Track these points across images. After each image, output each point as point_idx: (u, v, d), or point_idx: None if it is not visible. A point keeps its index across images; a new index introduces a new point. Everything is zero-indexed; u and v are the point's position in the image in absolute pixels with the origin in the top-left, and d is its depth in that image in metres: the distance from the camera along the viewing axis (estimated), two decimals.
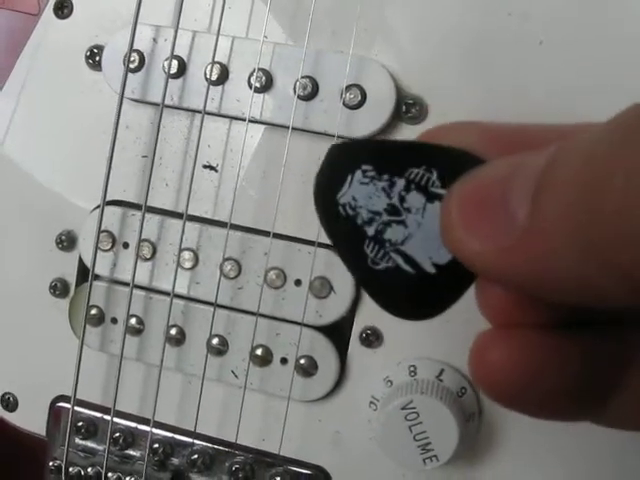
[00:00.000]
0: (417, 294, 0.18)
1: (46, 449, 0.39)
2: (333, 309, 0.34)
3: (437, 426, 0.32)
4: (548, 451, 0.34)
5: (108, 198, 0.35)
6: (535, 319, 0.18)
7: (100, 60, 0.35)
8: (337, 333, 0.35)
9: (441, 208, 0.17)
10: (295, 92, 0.33)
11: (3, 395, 0.39)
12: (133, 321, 0.36)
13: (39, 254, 0.38)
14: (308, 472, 0.37)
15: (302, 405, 0.36)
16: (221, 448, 0.37)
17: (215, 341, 0.35)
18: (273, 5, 0.33)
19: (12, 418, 0.40)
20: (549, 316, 0.18)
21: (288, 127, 0.33)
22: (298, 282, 0.34)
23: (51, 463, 0.38)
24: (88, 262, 0.36)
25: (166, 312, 0.35)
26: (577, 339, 0.18)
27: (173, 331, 0.36)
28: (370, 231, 0.18)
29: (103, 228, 0.35)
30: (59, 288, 0.37)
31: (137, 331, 0.36)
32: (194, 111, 0.34)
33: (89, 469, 0.38)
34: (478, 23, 0.32)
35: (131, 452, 0.38)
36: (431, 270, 0.18)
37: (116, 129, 0.34)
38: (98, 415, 0.38)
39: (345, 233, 0.18)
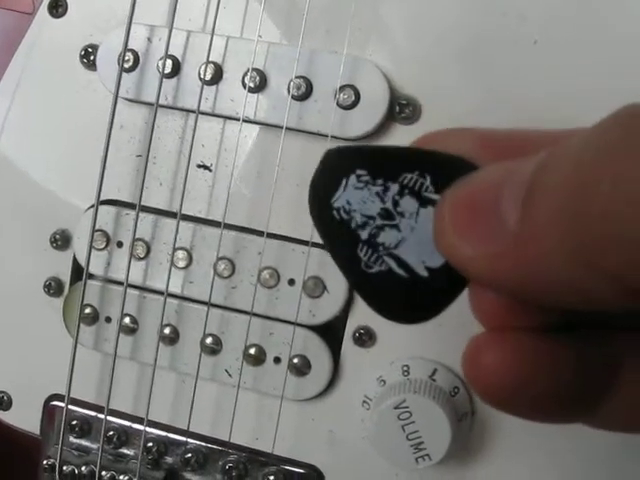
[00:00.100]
0: (410, 298, 0.19)
1: (40, 448, 0.39)
2: (326, 309, 0.34)
3: (430, 425, 0.32)
4: (541, 451, 0.34)
5: (102, 197, 0.35)
6: (528, 323, 0.18)
7: (95, 59, 0.35)
8: (330, 332, 0.35)
9: (434, 213, 0.18)
10: (289, 92, 0.33)
11: None
12: (127, 320, 0.36)
13: (33, 253, 0.38)
14: (301, 471, 0.37)
15: (295, 404, 0.36)
16: (215, 447, 0.37)
17: (209, 340, 0.35)
18: (267, 5, 0.33)
19: (6, 417, 0.40)
20: (542, 320, 0.18)
21: (282, 127, 0.33)
22: (292, 282, 0.34)
23: (45, 462, 0.38)
24: (82, 261, 0.36)
25: (160, 311, 0.35)
26: (569, 342, 0.18)
27: (167, 330, 0.36)
28: (364, 235, 0.18)
29: (97, 227, 0.36)
30: (53, 287, 0.37)
31: (131, 330, 0.36)
32: (188, 111, 0.34)
33: (83, 468, 0.38)
34: (473, 23, 0.32)
35: (125, 451, 0.38)
36: (424, 274, 0.18)
37: (110, 128, 0.34)
38: (92, 414, 0.38)
39: (339, 237, 0.18)
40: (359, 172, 0.18)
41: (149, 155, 0.35)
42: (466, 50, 0.32)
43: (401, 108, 0.32)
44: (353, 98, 0.32)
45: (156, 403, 0.37)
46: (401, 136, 0.33)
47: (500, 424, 0.34)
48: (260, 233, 0.34)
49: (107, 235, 0.36)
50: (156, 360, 0.36)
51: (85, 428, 0.38)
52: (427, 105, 0.33)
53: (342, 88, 0.32)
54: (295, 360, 0.35)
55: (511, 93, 0.32)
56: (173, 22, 0.33)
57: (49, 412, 0.39)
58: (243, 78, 0.33)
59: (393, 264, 0.18)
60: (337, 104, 0.32)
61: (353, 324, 0.35)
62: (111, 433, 0.38)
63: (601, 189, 0.14)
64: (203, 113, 0.34)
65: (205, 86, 0.33)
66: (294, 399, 0.35)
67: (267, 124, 0.34)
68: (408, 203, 0.18)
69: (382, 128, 0.33)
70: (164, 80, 0.34)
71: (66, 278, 0.38)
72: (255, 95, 0.33)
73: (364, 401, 0.35)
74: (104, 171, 0.35)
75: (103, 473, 0.37)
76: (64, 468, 0.38)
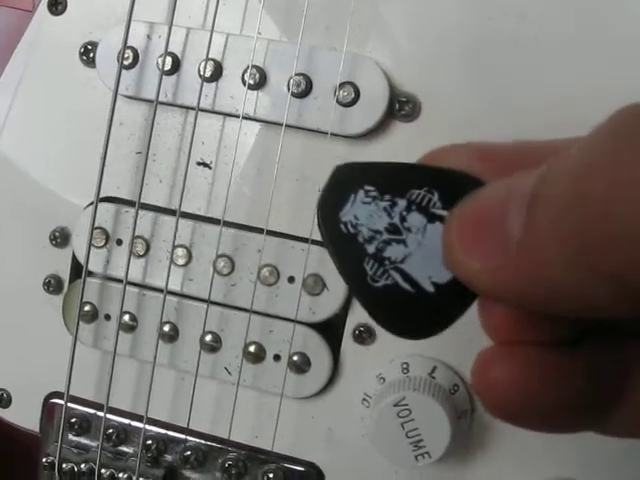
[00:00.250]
0: (415, 312, 0.19)
1: (39, 445, 0.39)
2: (326, 306, 0.34)
3: (429, 423, 0.32)
4: (541, 449, 0.34)
5: (102, 195, 0.35)
6: (537, 337, 0.18)
7: (94, 57, 0.35)
8: (330, 330, 0.35)
9: (443, 230, 0.18)
10: (289, 89, 0.33)
11: None
12: (126, 318, 0.36)
13: (33, 250, 0.38)
14: (301, 469, 0.37)
15: (295, 402, 0.36)
16: (214, 445, 0.37)
17: (208, 338, 0.35)
18: (267, 2, 0.33)
19: (5, 414, 0.40)
20: (550, 334, 0.18)
21: (282, 124, 0.33)
22: (291, 279, 0.34)
23: (44, 459, 0.38)
24: (82, 259, 0.36)
25: (159, 309, 0.35)
26: (578, 354, 0.18)
27: (166, 328, 0.36)
28: (370, 249, 0.19)
29: (97, 225, 0.35)
30: (53, 284, 0.37)
31: (130, 328, 0.36)
32: (188, 108, 0.34)
33: (82, 465, 0.38)
34: (473, 22, 0.32)
35: (124, 448, 0.38)
36: (430, 289, 0.18)
37: (110, 126, 0.34)
38: (91, 411, 0.38)
39: (346, 250, 0.19)
40: (367, 187, 0.19)
41: (149, 152, 0.35)
42: (466, 48, 0.32)
43: (401, 105, 0.32)
44: (353, 95, 0.32)
45: (155, 401, 0.37)
46: (401, 133, 0.33)
47: (500, 422, 0.34)
48: (260, 230, 0.34)
49: (106, 233, 0.36)
50: (155, 358, 0.36)
51: (84, 426, 0.38)
52: (427, 102, 0.33)
53: (342, 85, 0.32)
54: (295, 358, 0.35)
55: (511, 92, 0.32)
56: (173, 19, 0.33)
57: (49, 410, 0.39)
58: (243, 75, 0.33)
59: (399, 278, 0.18)
60: (337, 101, 0.32)
61: (353, 321, 0.35)
62: (110, 431, 0.38)
63: (599, 194, 0.14)
64: (203, 110, 0.34)
65: (205, 83, 0.33)
66: (294, 397, 0.35)
67: (267, 121, 0.34)
68: (415, 219, 0.18)
69: (382, 125, 0.33)
70: (164, 77, 0.34)
71: (65, 276, 0.38)
72: (255, 92, 0.33)
73: (364, 399, 0.35)
74: (103, 168, 0.35)
75: (102, 471, 0.37)
76: (64, 466, 0.38)
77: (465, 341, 0.30)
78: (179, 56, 0.34)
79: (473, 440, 0.35)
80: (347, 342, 0.35)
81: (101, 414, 0.37)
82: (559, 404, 0.18)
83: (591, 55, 0.31)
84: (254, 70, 0.33)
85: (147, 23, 0.34)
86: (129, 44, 0.34)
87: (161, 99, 0.34)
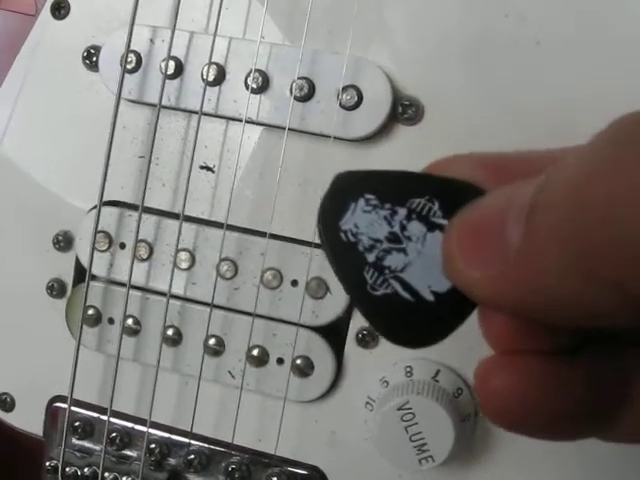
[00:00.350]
0: (415, 321, 0.19)
1: (43, 449, 0.39)
2: (329, 309, 0.34)
3: (433, 427, 0.32)
4: (544, 453, 0.34)
5: (105, 198, 0.35)
6: (536, 346, 0.18)
7: (97, 61, 0.35)
8: (333, 333, 0.35)
9: (443, 239, 0.18)
10: (292, 93, 0.33)
11: (0, 395, 0.39)
12: (130, 321, 0.36)
13: (36, 254, 0.38)
14: (304, 472, 0.37)
15: (298, 405, 0.36)
16: (217, 448, 0.37)
17: (212, 341, 0.35)
18: (270, 5, 0.33)
19: (9, 418, 0.40)
20: (550, 342, 0.18)
21: (285, 128, 0.33)
22: (294, 283, 0.34)
23: (48, 463, 0.38)
24: (85, 262, 0.36)
25: (163, 312, 0.35)
26: (578, 363, 0.18)
27: (170, 331, 0.36)
28: (370, 257, 0.18)
29: (100, 228, 0.36)
30: (56, 288, 0.37)
31: (134, 331, 0.36)
32: (191, 112, 0.34)
33: (86, 469, 0.38)
34: (475, 24, 0.32)
35: (128, 452, 0.38)
36: (430, 298, 0.18)
37: (113, 130, 0.34)
38: (95, 415, 0.38)
39: (346, 259, 0.19)
40: (368, 196, 0.18)
41: (152, 156, 0.35)
42: (468, 51, 0.32)
43: (404, 109, 0.32)
44: (356, 99, 0.32)
45: (159, 404, 0.37)
46: (404, 136, 0.33)
47: None
48: (263, 234, 0.34)
49: (110, 236, 0.36)
50: (159, 361, 0.36)
51: (88, 430, 0.38)
52: (430, 106, 0.33)
53: (345, 89, 0.32)
54: (298, 361, 0.35)
55: (513, 94, 0.32)
56: (176, 23, 0.34)
57: (52, 413, 0.39)
58: (246, 79, 0.33)
59: (399, 287, 0.18)
60: (340, 105, 0.32)
61: (356, 325, 0.35)
62: (114, 435, 0.38)
63: (598, 203, 0.14)
64: (206, 114, 0.34)
65: (208, 87, 0.33)
66: (297, 400, 0.35)
67: (270, 125, 0.34)
68: (416, 227, 0.18)
69: (385, 129, 0.33)
70: (167, 81, 0.34)
71: (69, 279, 0.38)
72: (258, 96, 0.33)
73: (367, 402, 0.35)
74: (107, 172, 0.35)
75: (106, 475, 0.37)
76: (67, 470, 0.38)
77: (469, 345, 0.30)
78: (182, 60, 0.34)
79: (476, 444, 0.35)
80: (350, 345, 0.35)
81: (104, 418, 0.37)
82: (559, 413, 0.18)
83: (592, 56, 0.31)
84: (257, 74, 0.33)
85: (150, 27, 0.34)
86: (132, 48, 0.34)
87: (164, 103, 0.34)
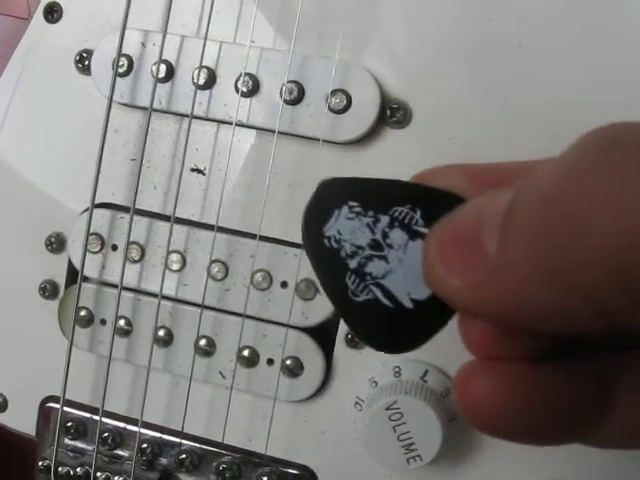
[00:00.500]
0: (395, 328, 0.19)
1: (36, 449, 0.39)
2: (319, 311, 0.34)
3: (421, 426, 0.33)
4: (531, 452, 0.34)
5: (97, 201, 0.36)
6: (517, 352, 0.18)
7: (89, 64, 0.35)
8: (323, 334, 0.35)
9: (423, 248, 0.18)
10: (281, 97, 0.33)
11: None
12: (122, 322, 0.36)
13: (29, 256, 0.38)
14: (295, 472, 0.37)
15: (288, 405, 0.36)
16: (208, 448, 0.38)
17: (202, 342, 0.36)
18: (260, 10, 0.34)
19: (2, 418, 0.40)
20: (531, 348, 0.18)
21: (274, 131, 0.33)
22: (284, 284, 0.35)
23: (40, 463, 0.39)
24: (77, 264, 0.36)
25: (154, 313, 0.36)
26: (561, 368, 0.18)
27: (161, 332, 0.36)
28: (352, 264, 0.19)
29: (92, 230, 0.36)
30: (48, 290, 0.38)
31: (126, 332, 0.36)
32: (182, 115, 0.35)
33: (78, 469, 0.38)
34: (466, 28, 0.32)
35: (120, 452, 0.38)
36: (409, 305, 0.19)
37: (105, 133, 0.35)
38: (87, 415, 0.39)
39: (328, 265, 0.19)
40: (351, 203, 0.19)
41: (143, 159, 0.35)
42: (458, 55, 0.32)
43: (392, 112, 0.33)
44: (345, 102, 0.32)
45: (150, 405, 0.37)
46: (393, 140, 0.33)
47: None
48: (253, 236, 0.35)
49: (102, 238, 0.36)
50: (150, 362, 0.36)
51: (80, 430, 0.39)
52: (418, 109, 0.33)
53: (334, 92, 0.32)
54: (288, 362, 0.35)
55: (502, 98, 0.32)
56: (167, 27, 0.34)
57: (45, 414, 0.39)
58: (236, 83, 0.33)
59: (379, 294, 0.19)
60: (329, 108, 0.33)
61: (345, 326, 0.35)
62: (106, 434, 0.38)
63: (571, 213, 0.14)
64: (197, 117, 0.34)
65: (199, 90, 0.34)
66: (287, 400, 0.36)
67: (260, 128, 0.34)
68: (397, 235, 0.19)
69: (373, 132, 0.33)
70: (158, 85, 0.34)
71: (61, 281, 0.38)
72: (248, 99, 0.34)
73: (356, 402, 0.35)
74: (99, 175, 0.35)
75: (98, 474, 0.38)
76: (59, 469, 0.38)
77: (457, 345, 0.30)
78: (173, 64, 0.34)
79: (464, 443, 0.35)
80: (340, 346, 0.35)
81: (97, 418, 0.37)
82: (542, 418, 0.18)
83: (593, 58, 0.31)
84: (247, 78, 0.33)
85: (142, 31, 0.34)
86: (124, 52, 0.34)
87: (155, 106, 0.34)
